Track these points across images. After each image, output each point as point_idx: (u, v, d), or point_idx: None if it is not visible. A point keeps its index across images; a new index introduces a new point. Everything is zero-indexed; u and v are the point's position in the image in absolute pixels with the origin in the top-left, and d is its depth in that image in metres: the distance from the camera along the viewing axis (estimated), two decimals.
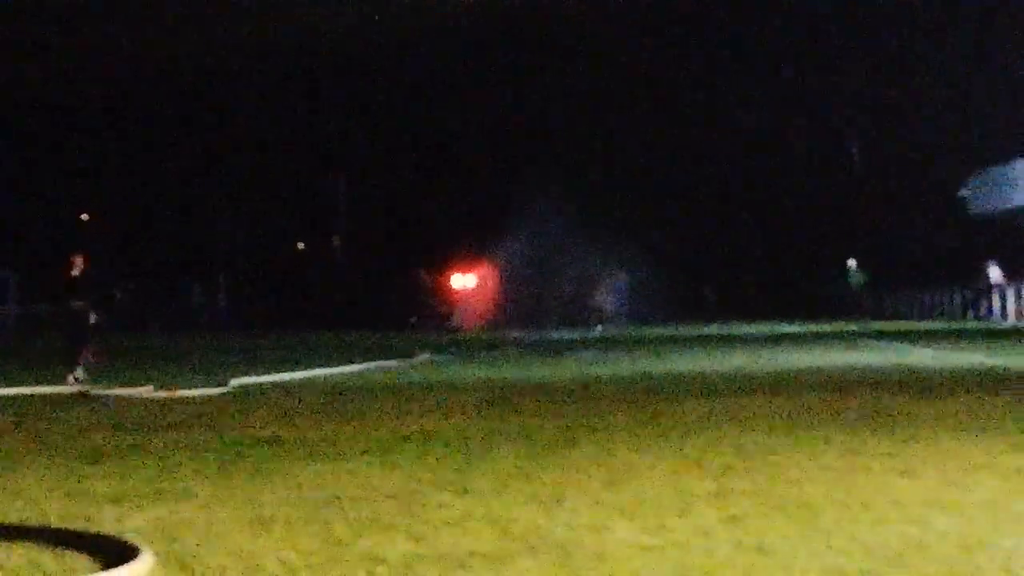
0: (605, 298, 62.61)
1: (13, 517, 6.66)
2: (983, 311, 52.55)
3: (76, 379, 19.10)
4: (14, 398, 15.86)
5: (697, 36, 74.78)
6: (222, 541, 6.01)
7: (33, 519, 6.58)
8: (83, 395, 16.18)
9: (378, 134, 76.02)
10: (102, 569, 5.44)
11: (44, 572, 5.51)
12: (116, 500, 7.19)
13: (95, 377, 19.40)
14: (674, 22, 74.88)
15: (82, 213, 78.06)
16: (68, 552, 5.81)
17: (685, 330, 49.25)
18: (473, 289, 64.22)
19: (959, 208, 65.79)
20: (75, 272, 21.42)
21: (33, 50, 70.06)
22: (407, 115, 75.63)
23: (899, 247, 71.52)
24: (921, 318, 58.34)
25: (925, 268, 66.37)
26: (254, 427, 11.58)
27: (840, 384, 16.22)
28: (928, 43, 68.73)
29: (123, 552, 5.59)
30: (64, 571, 5.54)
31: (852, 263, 66.76)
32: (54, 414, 13.50)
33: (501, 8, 72.91)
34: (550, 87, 75.49)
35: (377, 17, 72.25)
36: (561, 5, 72.54)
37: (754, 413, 12.08)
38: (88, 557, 5.71)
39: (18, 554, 5.81)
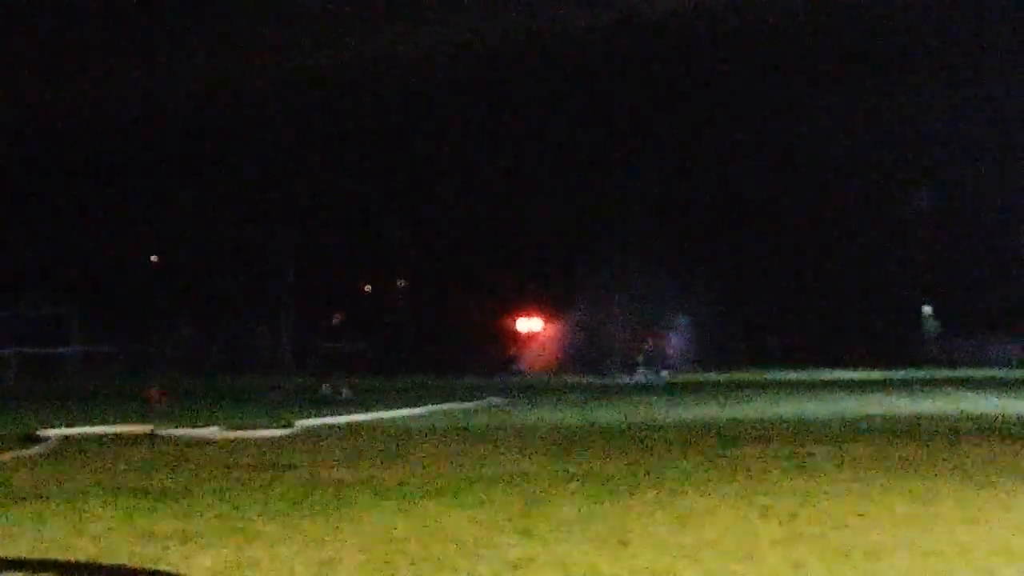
0: (669, 344, 62.49)
1: (82, 555, 6.72)
2: None
3: (331, 391, 28.34)
4: (84, 437, 16.00)
5: (764, 78, 74.56)
6: None
7: (102, 557, 6.64)
8: (151, 435, 16.30)
9: (442, 177, 76.24)
10: None
11: None
12: (184, 539, 7.25)
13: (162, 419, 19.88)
14: (737, 61, 74.73)
15: (145, 251, 78.70)
16: None
17: (749, 376, 48.99)
18: (537, 333, 64.22)
19: None
20: (335, 322, 33.82)
21: (100, 86, 70.90)
22: (465, 157, 75.76)
23: (969, 295, 70.93)
24: (990, 366, 57.75)
25: (995, 316, 65.79)
26: (320, 468, 11.64)
27: (907, 431, 16.10)
28: (996, 94, 68.32)
29: None
30: None
31: (927, 310, 66.18)
32: (122, 453, 13.61)
33: (574, 56, 73.03)
34: (610, 129, 75.50)
35: (442, 57, 72.60)
36: (628, 52, 72.59)
37: (820, 459, 12.01)
38: None
39: None
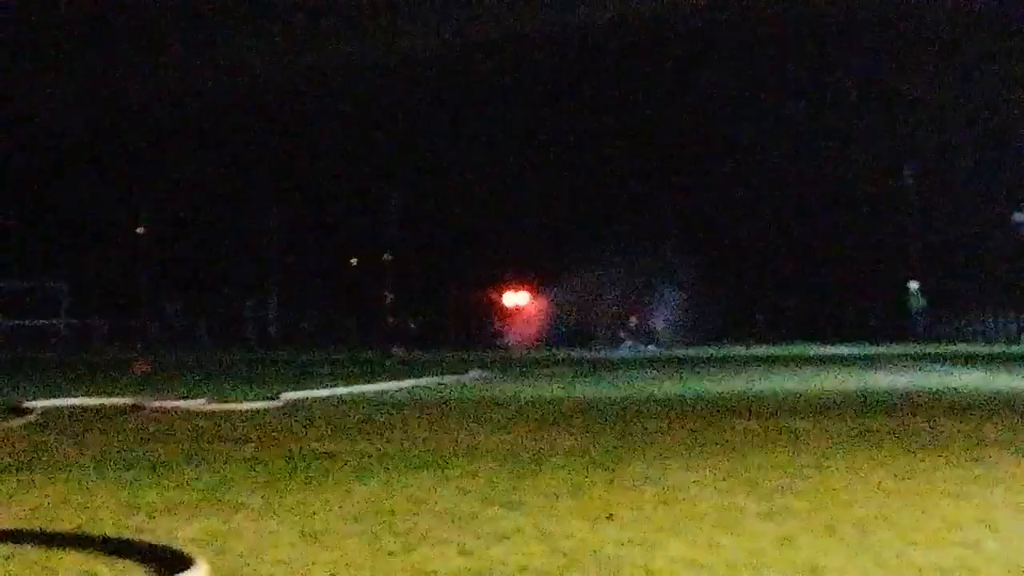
0: (655, 319, 62.65)
1: (68, 525, 6.71)
2: None
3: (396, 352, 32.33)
4: (69, 409, 15.98)
5: (751, 58, 74.50)
6: (272, 552, 6.04)
7: (87, 528, 6.63)
8: (136, 406, 16.29)
9: (430, 150, 76.11)
10: None
11: None
12: (169, 510, 7.24)
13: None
14: (725, 44, 74.67)
15: (135, 226, 78.57)
16: (123, 561, 5.84)
17: (736, 350, 49.06)
18: (525, 307, 64.25)
19: (1013, 232, 65.30)
20: (388, 301, 32.33)
21: (97, 64, 70.71)
22: (455, 132, 75.66)
23: (954, 271, 71.02)
24: (975, 341, 57.89)
25: (980, 292, 65.91)
26: (306, 440, 11.63)
27: (893, 406, 16.13)
28: (982, 68, 68.32)
29: (178, 561, 5.63)
30: None
31: (914, 285, 66.32)
32: (107, 424, 13.60)
33: (576, 32, 72.94)
34: (600, 109, 75.42)
35: (442, 36, 72.53)
36: (626, 36, 72.51)
37: (807, 434, 12.03)
38: (143, 566, 5.74)
39: (73, 562, 5.85)
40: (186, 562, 5.59)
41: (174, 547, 5.92)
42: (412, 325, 52.01)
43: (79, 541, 6.18)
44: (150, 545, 6.03)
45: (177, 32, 71.25)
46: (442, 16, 72.30)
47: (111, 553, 5.95)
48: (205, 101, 73.82)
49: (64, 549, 6.06)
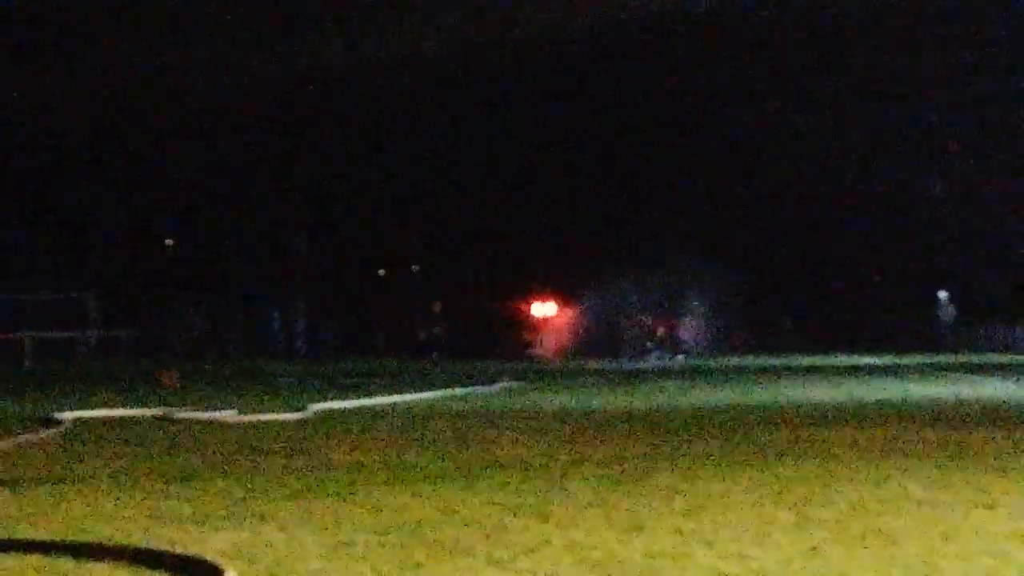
0: (685, 328, 62.64)
1: (98, 537, 6.73)
2: None
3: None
4: (98, 420, 16.04)
5: (780, 62, 74.37)
6: (301, 563, 6.05)
7: (116, 539, 6.65)
8: (165, 418, 16.33)
9: (455, 160, 76.18)
10: None
11: None
12: (198, 521, 7.26)
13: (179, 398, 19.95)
14: (750, 47, 74.53)
15: (162, 235, 78.83)
16: (153, 572, 5.87)
17: (763, 360, 48.97)
18: (553, 317, 64.29)
19: None
20: (436, 310, 42.61)
21: (114, 74, 70.96)
22: (480, 143, 75.71)
23: (986, 280, 70.75)
24: (1006, 352, 57.69)
25: (1009, 301, 65.70)
26: (334, 452, 11.65)
27: (924, 416, 16.08)
28: (1008, 74, 68.12)
29: (207, 572, 5.65)
30: None
31: (943, 295, 65.92)
32: (137, 435, 13.65)
33: (607, 31, 72.76)
34: (624, 116, 75.37)
35: (453, 51, 72.55)
36: (656, 33, 72.37)
37: (836, 444, 12.00)
38: None
39: (103, 573, 5.87)
40: (216, 573, 5.61)
41: (204, 558, 5.94)
42: (439, 334, 52.31)
43: (109, 552, 6.20)
44: (180, 556, 6.05)
45: (204, 34, 71.43)
46: (471, 15, 72.25)
47: (141, 564, 5.97)
48: (230, 110, 73.95)
49: (95, 560, 6.08)
